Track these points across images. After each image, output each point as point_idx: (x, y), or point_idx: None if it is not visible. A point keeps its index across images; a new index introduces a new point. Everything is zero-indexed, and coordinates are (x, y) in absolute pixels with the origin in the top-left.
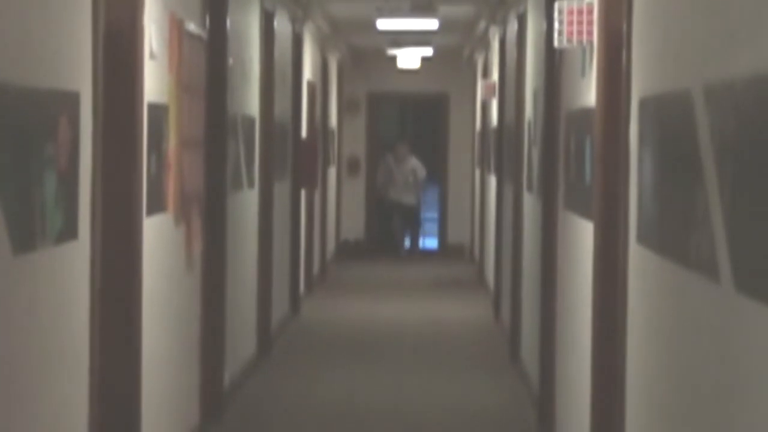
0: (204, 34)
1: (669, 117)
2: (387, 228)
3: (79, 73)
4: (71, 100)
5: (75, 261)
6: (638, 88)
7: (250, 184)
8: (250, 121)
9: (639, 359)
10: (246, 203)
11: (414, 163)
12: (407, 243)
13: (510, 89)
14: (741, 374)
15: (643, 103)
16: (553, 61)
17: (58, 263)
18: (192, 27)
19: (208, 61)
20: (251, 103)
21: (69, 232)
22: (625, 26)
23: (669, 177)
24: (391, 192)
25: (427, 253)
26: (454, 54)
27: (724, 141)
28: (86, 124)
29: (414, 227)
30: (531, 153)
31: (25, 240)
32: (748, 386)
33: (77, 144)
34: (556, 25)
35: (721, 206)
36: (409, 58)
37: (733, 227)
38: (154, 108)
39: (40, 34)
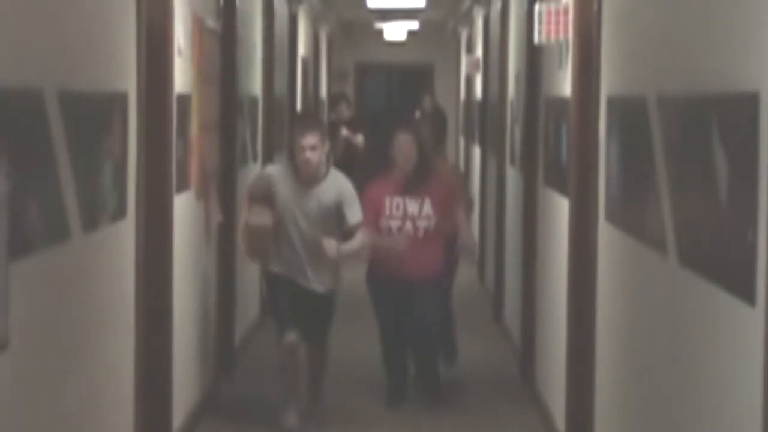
0: (218, 28)
1: (630, 117)
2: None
3: (126, 75)
4: (122, 99)
5: (124, 236)
6: (606, 86)
7: (254, 158)
8: (254, 101)
9: (607, 322)
10: (252, 175)
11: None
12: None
13: (494, 67)
14: (682, 340)
15: (611, 102)
16: (534, 47)
17: (113, 238)
18: (210, 23)
19: (222, 52)
20: (255, 84)
21: (120, 212)
22: (595, 30)
23: (630, 166)
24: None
25: None
26: (439, 27)
27: (671, 142)
28: (132, 118)
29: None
30: (513, 129)
31: (91, 220)
32: (689, 352)
33: (126, 136)
34: (536, 24)
35: (668, 192)
36: (395, 30)
37: (677, 209)
38: (181, 99)
39: (99, 44)
